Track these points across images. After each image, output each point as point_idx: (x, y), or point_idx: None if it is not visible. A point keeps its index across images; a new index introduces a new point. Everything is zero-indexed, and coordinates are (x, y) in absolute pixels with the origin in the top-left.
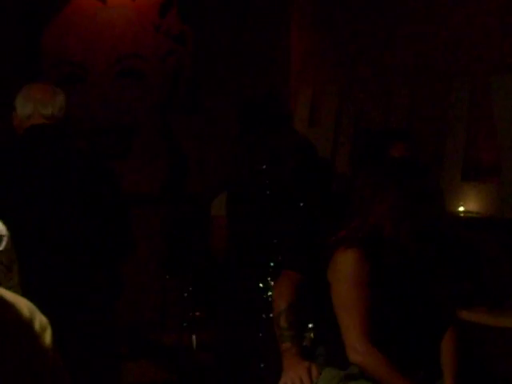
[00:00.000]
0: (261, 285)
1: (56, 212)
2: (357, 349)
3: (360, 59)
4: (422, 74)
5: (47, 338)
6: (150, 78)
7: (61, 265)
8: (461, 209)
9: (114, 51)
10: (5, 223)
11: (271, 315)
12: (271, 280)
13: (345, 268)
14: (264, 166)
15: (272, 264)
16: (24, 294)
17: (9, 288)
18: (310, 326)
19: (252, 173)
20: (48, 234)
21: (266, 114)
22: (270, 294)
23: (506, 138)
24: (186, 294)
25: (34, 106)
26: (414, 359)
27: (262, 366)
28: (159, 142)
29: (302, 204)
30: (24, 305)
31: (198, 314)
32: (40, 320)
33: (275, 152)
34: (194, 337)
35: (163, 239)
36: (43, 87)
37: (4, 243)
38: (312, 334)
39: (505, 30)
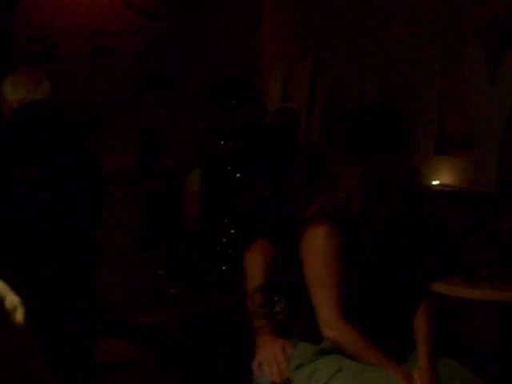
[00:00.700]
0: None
1: (46, 186)
2: (330, 324)
3: (333, 33)
4: (395, 49)
5: (18, 316)
6: (122, 55)
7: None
8: (434, 182)
9: (85, 29)
10: None
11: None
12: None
13: (316, 243)
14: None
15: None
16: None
17: None
18: (281, 302)
19: (223, 148)
20: (34, 209)
21: (235, 90)
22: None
23: (480, 112)
24: (160, 272)
25: (23, 90)
26: (388, 332)
27: (235, 343)
28: (132, 119)
29: (273, 177)
30: None
31: (173, 290)
32: (11, 299)
33: (245, 127)
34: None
35: (138, 216)
36: (30, 74)
37: None
38: (282, 310)
39: (477, 2)
